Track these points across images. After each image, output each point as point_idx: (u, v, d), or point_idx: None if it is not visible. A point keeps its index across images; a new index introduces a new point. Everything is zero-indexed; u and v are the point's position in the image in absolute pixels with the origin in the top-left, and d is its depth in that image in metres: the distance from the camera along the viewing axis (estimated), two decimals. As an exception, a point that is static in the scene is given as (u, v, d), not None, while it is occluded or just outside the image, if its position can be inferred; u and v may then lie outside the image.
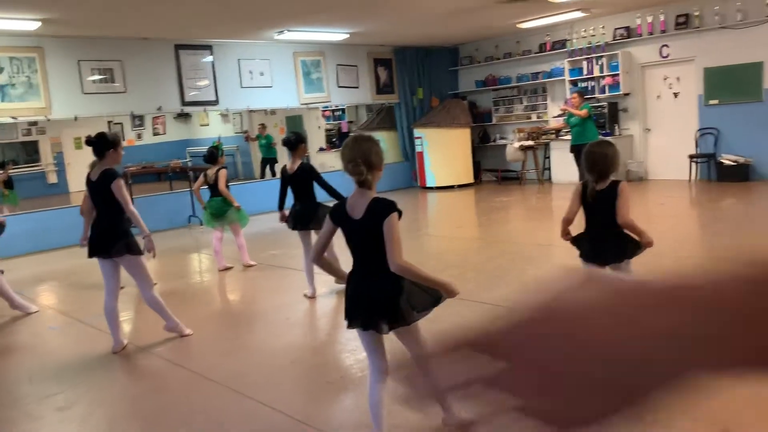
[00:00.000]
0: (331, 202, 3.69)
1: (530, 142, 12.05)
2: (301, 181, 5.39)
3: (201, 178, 6.81)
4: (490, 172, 13.43)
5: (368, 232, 2.65)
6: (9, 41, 8.42)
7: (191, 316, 5.06)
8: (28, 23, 7.78)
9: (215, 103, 10.65)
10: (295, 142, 5.44)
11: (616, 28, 11.12)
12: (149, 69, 9.77)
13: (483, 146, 13.55)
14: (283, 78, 11.41)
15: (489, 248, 7.24)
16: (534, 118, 12.74)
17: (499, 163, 13.02)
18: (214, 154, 6.78)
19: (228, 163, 17.36)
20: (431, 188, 12.56)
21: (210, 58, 10.50)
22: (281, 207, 5.60)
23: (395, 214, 2.62)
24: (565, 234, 3.62)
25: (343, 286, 2.87)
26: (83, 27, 8.48)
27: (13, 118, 8.56)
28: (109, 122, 18.23)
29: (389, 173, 13.23)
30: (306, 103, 11.92)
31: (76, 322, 5.36)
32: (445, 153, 12.41)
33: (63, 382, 4.06)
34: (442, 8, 9.12)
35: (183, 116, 18.59)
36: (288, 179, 5.44)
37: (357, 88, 12.53)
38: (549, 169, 12.19)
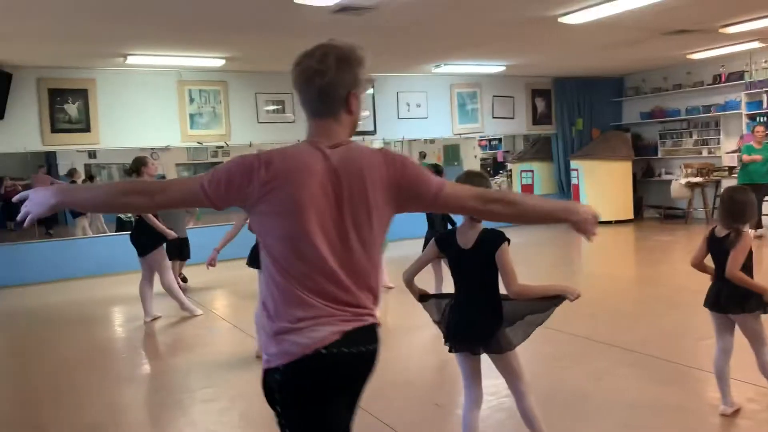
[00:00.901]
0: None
1: (698, 179, 11.26)
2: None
3: None
4: (654, 208, 12.70)
5: (478, 261, 2.80)
6: (200, 76, 9.66)
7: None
8: (216, 61, 8.90)
9: (373, 133, 11.27)
10: (435, 174, 5.66)
11: (802, 58, 10.12)
12: (316, 100, 10.62)
13: (646, 181, 12.88)
14: (439, 109, 11.79)
15: (634, 289, 6.93)
16: (705, 153, 11.88)
17: (663, 199, 12.28)
18: None
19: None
20: (585, 222, 12.15)
21: (371, 91, 11.17)
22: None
23: (506, 244, 2.77)
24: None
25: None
26: (261, 63, 9.48)
27: (199, 143, 9.78)
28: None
29: (542, 205, 13.04)
30: (459, 134, 12.19)
31: (232, 326, 6.01)
32: (603, 186, 11.97)
33: (211, 378, 4.62)
34: (603, 41, 8.93)
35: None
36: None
37: (512, 118, 12.57)
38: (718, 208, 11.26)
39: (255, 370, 4.53)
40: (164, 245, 6.11)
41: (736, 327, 3.35)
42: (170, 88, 9.57)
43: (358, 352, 1.81)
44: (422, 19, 7.11)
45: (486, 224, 2.88)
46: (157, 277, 6.14)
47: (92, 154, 16.06)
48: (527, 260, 9.35)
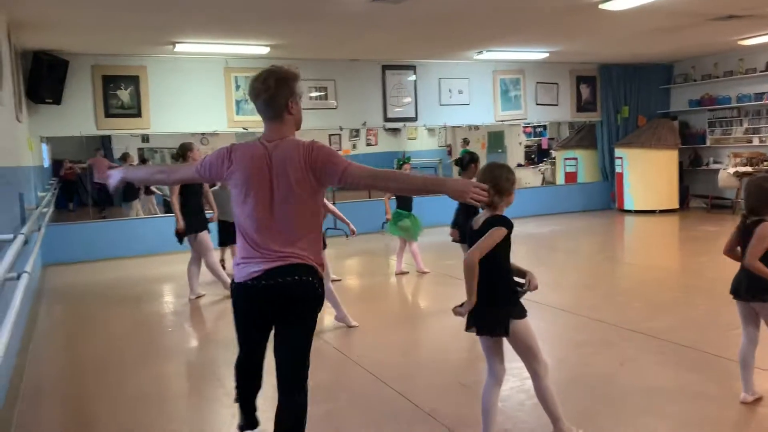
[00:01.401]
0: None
1: (748, 168, 10.97)
2: None
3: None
4: (700, 198, 12.42)
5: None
6: (245, 63, 9.91)
7: (361, 311, 5.65)
8: (261, 48, 9.13)
9: (414, 119, 11.36)
10: (468, 162, 5.73)
11: None
12: (357, 87, 10.78)
13: (693, 170, 12.59)
14: (481, 96, 11.78)
15: (671, 279, 6.87)
16: (756, 142, 11.55)
17: (710, 189, 12.00)
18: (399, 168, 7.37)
19: (429, 173, 18.21)
20: (629, 211, 12.01)
21: (413, 77, 11.25)
22: (455, 224, 5.92)
23: (502, 228, 2.85)
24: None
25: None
26: (303, 51, 9.67)
27: (244, 128, 10.04)
28: (330, 135, 20.24)
29: (585, 193, 12.94)
30: (501, 120, 12.15)
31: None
32: (647, 175, 11.78)
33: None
34: (646, 27, 8.78)
35: (393, 130, 19.81)
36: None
37: (556, 105, 12.46)
38: (769, 199, 10.96)
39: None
40: (206, 230, 6.39)
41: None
42: (217, 74, 9.86)
43: (276, 282, 2.56)
44: (460, 8, 7.15)
45: (514, 212, 2.99)
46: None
47: (145, 138, 16.67)
48: (568, 248, 9.35)
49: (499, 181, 2.89)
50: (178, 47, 8.68)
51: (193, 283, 6.48)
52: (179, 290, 6.83)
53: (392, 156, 21.36)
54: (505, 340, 2.97)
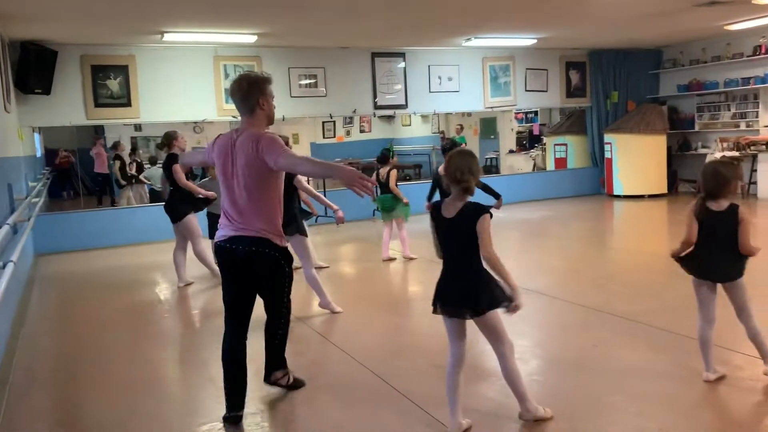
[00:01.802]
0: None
1: (735, 153, 11.06)
2: None
3: (373, 177, 7.49)
4: (688, 182, 12.53)
5: (457, 229, 3.01)
6: (234, 51, 9.96)
7: (347, 297, 5.76)
8: (248, 37, 9.17)
9: (404, 107, 11.42)
10: (451, 148, 5.85)
11: None
12: (347, 75, 10.82)
13: (682, 155, 12.69)
14: (470, 82, 11.83)
15: (654, 263, 6.96)
16: (743, 126, 11.64)
17: (698, 173, 12.07)
18: (386, 156, 7.46)
19: (423, 161, 18.29)
20: (618, 196, 12.12)
21: (402, 65, 11.29)
22: (429, 199, 6.23)
23: (487, 215, 2.97)
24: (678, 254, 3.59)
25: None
26: (294, 38, 9.72)
27: (234, 117, 10.08)
28: (324, 122, 20.27)
29: (575, 178, 13.03)
30: (491, 107, 12.22)
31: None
32: (636, 160, 11.87)
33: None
34: (633, 13, 8.83)
35: (387, 117, 19.82)
36: (437, 180, 5.88)
37: (545, 91, 12.52)
38: (755, 183, 11.10)
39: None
40: (196, 213, 6.48)
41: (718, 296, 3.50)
42: (206, 63, 9.90)
43: (235, 248, 3.28)
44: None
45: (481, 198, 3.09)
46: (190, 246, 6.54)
47: (138, 127, 16.68)
48: (556, 233, 9.47)
49: (472, 166, 2.99)
50: (167, 36, 8.72)
51: (181, 271, 6.59)
52: (170, 278, 6.93)
53: (385, 142, 21.48)
54: (470, 323, 3.08)
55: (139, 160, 13.76)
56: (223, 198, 3.35)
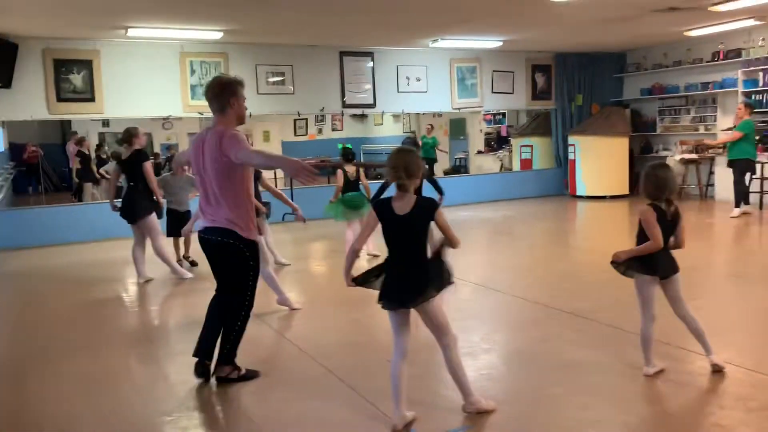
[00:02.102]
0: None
1: (693, 156, 11.36)
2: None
3: (341, 176, 7.41)
4: (650, 184, 12.80)
5: (411, 225, 3.09)
6: (201, 48, 9.92)
7: (306, 294, 5.80)
8: (214, 33, 9.15)
9: (372, 106, 11.49)
10: (412, 146, 5.95)
11: (800, 36, 10.11)
12: (315, 73, 10.85)
13: (644, 157, 12.95)
14: (438, 83, 11.95)
15: (607, 262, 7.14)
16: (702, 130, 11.95)
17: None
18: (354, 153, 7.49)
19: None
20: (581, 197, 12.35)
21: (371, 64, 11.35)
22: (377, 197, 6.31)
23: (440, 209, 3.12)
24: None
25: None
26: (261, 35, 9.72)
27: (200, 113, 10.07)
28: (295, 120, 20.24)
29: (539, 179, 13.23)
30: (458, 108, 12.34)
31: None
32: (599, 162, 12.11)
33: (186, 334, 5.00)
34: (595, 17, 9.01)
35: (360, 116, 19.87)
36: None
37: (512, 93, 12.69)
38: (713, 185, 11.41)
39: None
40: (155, 213, 6.46)
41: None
42: (172, 59, 9.84)
43: (209, 237, 3.65)
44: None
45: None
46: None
47: (106, 123, 16.49)
48: (516, 232, 9.62)
49: (410, 165, 3.06)
50: (131, 32, 8.65)
51: (140, 267, 6.56)
52: (130, 274, 6.89)
53: (359, 142, 21.55)
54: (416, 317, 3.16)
55: (103, 156, 13.60)
56: (198, 192, 3.76)
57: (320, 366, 4.08)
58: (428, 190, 5.80)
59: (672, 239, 3.63)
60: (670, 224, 3.58)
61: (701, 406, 3.37)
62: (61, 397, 3.82)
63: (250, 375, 3.85)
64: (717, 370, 3.63)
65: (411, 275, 3.09)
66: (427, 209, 3.09)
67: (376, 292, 3.16)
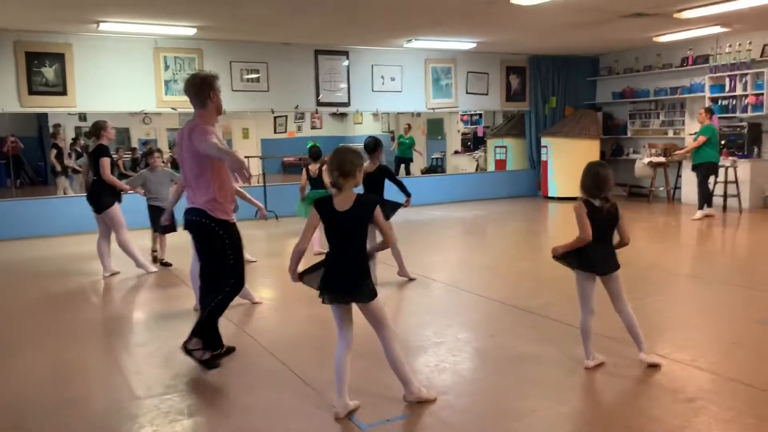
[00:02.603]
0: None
1: (661, 159, 11.58)
2: (378, 180, 5.95)
3: (304, 174, 7.55)
4: (620, 186, 13.02)
5: (352, 222, 3.18)
6: (175, 43, 9.94)
7: (269, 289, 5.87)
8: (187, 30, 9.18)
9: (347, 104, 11.58)
10: (374, 147, 6.03)
11: (765, 45, 10.36)
12: (290, 71, 10.92)
13: (615, 159, 13.18)
14: (413, 83, 12.07)
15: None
16: (670, 134, 12.20)
17: (630, 178, 12.59)
18: (320, 152, 7.59)
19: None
20: (552, 198, 12.54)
21: (346, 63, 11.44)
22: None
23: (379, 207, 3.22)
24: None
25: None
26: (235, 32, 9.76)
27: (173, 108, 10.09)
28: (276, 117, 20.23)
29: (513, 180, 13.40)
30: (433, 108, 12.47)
31: (183, 283, 6.43)
32: (570, 164, 12.23)
33: (149, 325, 5.07)
34: (562, 21, 9.17)
35: (339, 114, 19.92)
36: (366, 179, 6.00)
37: (486, 95, 12.84)
38: (680, 188, 11.64)
39: (186, 320, 4.95)
40: (118, 204, 6.51)
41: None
42: (146, 54, 9.86)
43: (189, 218, 3.98)
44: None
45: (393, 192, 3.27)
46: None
47: (82, 117, 16.38)
48: (484, 232, 9.77)
49: (344, 164, 3.16)
50: (103, 26, 8.66)
51: (106, 261, 6.61)
52: (95, 268, 6.92)
53: (338, 141, 21.62)
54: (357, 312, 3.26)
55: (78, 150, 13.54)
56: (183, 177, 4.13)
57: (274, 359, 4.17)
58: (395, 193, 5.95)
59: (616, 237, 3.77)
60: (606, 221, 3.71)
61: (634, 397, 3.51)
62: (28, 390, 3.86)
63: (212, 364, 3.96)
64: (652, 366, 3.78)
65: (350, 270, 3.18)
66: (366, 207, 3.18)
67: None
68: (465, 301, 5.55)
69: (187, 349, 3.95)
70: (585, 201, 3.75)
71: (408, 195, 6.10)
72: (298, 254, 3.29)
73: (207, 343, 3.98)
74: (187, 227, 4.07)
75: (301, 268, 3.32)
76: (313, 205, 3.28)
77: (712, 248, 8.26)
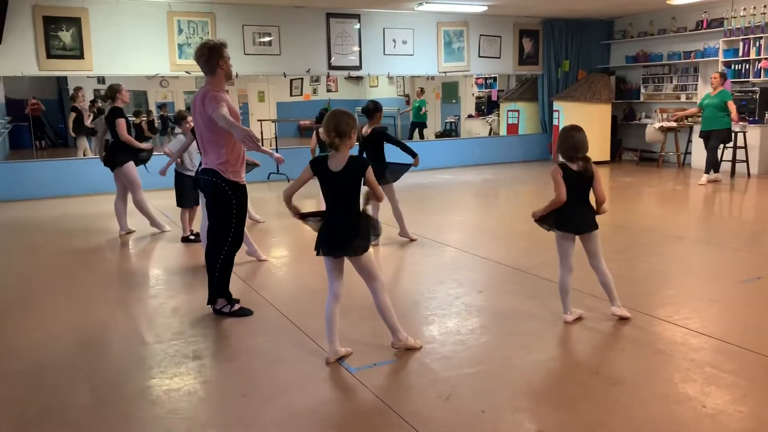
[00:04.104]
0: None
1: (672, 124, 11.57)
2: (373, 143, 6.13)
3: (314, 137, 7.76)
4: (632, 151, 13.07)
5: (345, 182, 3.41)
6: (188, 7, 10.10)
7: (276, 248, 6.14)
8: (200, -7, 9.33)
9: (359, 68, 11.69)
10: (373, 110, 6.19)
11: (780, 7, 10.23)
12: (302, 34, 11.04)
13: (627, 124, 13.19)
14: (425, 47, 12.12)
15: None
16: (683, 98, 12.15)
17: (641, 142, 12.63)
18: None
19: (389, 123, 18.64)
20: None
21: (357, 26, 11.51)
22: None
23: (370, 167, 3.42)
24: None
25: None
26: (247, -4, 9.89)
27: (187, 72, 10.30)
28: (292, 80, 20.32)
29: (525, 144, 13.48)
30: (444, 72, 12.52)
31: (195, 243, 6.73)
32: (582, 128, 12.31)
33: (159, 279, 5.38)
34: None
35: (355, 78, 19.96)
36: (362, 142, 6.20)
37: (498, 58, 12.85)
38: (690, 153, 11.65)
39: (196, 275, 5.24)
40: (133, 162, 6.77)
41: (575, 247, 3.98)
42: (160, 18, 10.04)
43: (203, 177, 4.26)
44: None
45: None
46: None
47: (101, 79, 16.65)
48: (490, 194, 9.95)
49: (339, 125, 3.36)
50: (117, -10, 8.85)
51: (122, 220, 6.92)
52: (115, 227, 7.24)
53: (354, 104, 21.68)
54: (347, 263, 3.50)
55: (95, 111, 13.83)
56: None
57: (275, 309, 4.45)
58: (401, 155, 6.14)
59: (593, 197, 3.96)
60: (581, 182, 3.88)
61: (606, 349, 3.74)
62: (48, 342, 4.20)
63: (243, 312, 4.34)
64: (623, 318, 4.02)
65: (343, 227, 3.41)
66: (358, 166, 3.39)
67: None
68: (460, 261, 5.78)
69: (216, 311, 4.32)
70: (561, 164, 3.93)
71: (414, 155, 6.22)
72: (285, 197, 3.54)
73: (229, 297, 4.35)
74: (199, 186, 4.38)
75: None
76: (309, 163, 3.49)
77: (714, 212, 8.36)
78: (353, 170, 3.39)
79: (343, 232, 3.42)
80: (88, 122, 13.02)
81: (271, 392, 3.21)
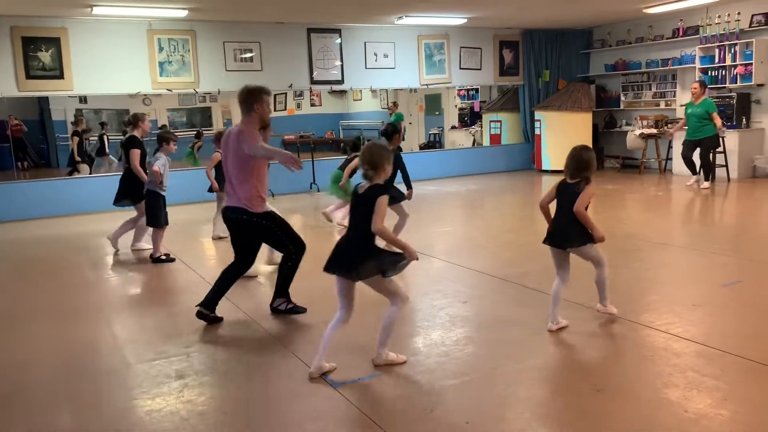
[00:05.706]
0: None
1: (652, 130, 11.71)
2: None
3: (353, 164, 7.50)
4: (613, 158, 13.19)
5: (362, 204, 3.42)
6: (169, 25, 10.10)
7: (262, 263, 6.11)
8: (178, 11, 9.33)
9: (341, 82, 11.73)
10: (391, 133, 6.28)
11: (753, 15, 10.41)
12: (283, 50, 11.07)
13: (608, 132, 13.32)
14: (406, 60, 12.19)
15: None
16: (662, 105, 12.30)
17: (622, 150, 12.76)
18: (358, 144, 7.72)
19: (373, 136, 18.71)
20: (546, 171, 12.71)
21: (338, 41, 11.56)
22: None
23: (385, 196, 3.40)
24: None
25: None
26: (228, 13, 9.90)
27: (168, 90, 10.29)
28: (276, 95, 20.34)
29: (508, 154, 13.57)
30: (426, 84, 12.60)
31: (179, 261, 6.69)
32: (563, 137, 12.39)
33: (149, 302, 5.33)
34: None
35: (339, 91, 20.04)
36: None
37: (479, 69, 12.95)
38: (671, 159, 11.78)
39: (178, 295, 5.15)
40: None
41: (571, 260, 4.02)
42: (140, 36, 10.03)
43: (230, 214, 4.46)
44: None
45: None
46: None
47: (83, 99, 16.60)
48: (475, 205, 9.98)
49: (373, 157, 3.41)
50: (96, 10, 8.83)
51: (118, 233, 6.95)
52: (102, 245, 7.18)
53: (338, 118, 21.80)
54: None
55: (79, 132, 13.77)
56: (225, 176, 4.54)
57: (258, 326, 4.43)
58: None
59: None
60: (569, 197, 3.94)
61: (587, 355, 3.75)
62: (39, 361, 4.14)
63: (298, 309, 4.66)
64: (609, 314, 4.20)
65: (350, 248, 3.43)
66: (373, 192, 3.41)
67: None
68: (445, 271, 5.79)
69: (275, 309, 4.67)
70: (563, 179, 4.03)
71: (409, 188, 6.34)
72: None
73: (288, 296, 4.68)
74: (226, 222, 4.54)
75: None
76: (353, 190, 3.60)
77: (695, 217, 8.44)
78: (368, 194, 3.41)
79: (350, 254, 3.41)
80: (89, 149, 13.10)
81: (254, 410, 3.19)
